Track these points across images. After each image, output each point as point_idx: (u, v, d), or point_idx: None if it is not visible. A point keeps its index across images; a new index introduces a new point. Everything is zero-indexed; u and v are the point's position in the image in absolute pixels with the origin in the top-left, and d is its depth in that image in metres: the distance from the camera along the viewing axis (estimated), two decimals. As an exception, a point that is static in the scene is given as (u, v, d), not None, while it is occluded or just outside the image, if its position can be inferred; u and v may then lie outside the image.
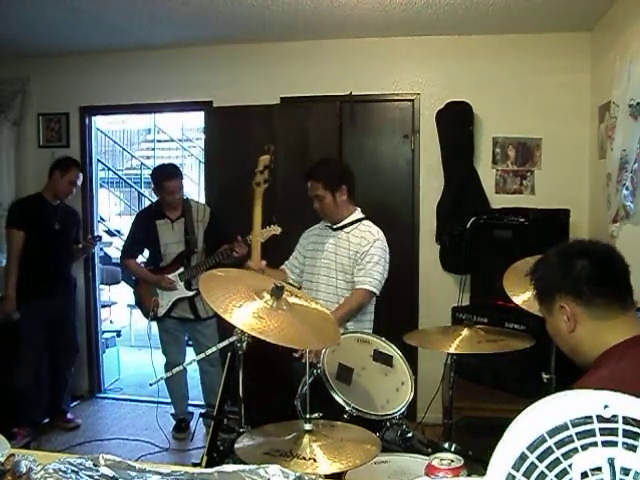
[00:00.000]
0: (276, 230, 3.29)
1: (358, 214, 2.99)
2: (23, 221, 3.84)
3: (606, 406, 0.74)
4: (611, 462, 0.72)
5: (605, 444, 0.73)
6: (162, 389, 4.04)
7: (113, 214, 9.70)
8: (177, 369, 1.98)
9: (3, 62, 4.61)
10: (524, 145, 4.07)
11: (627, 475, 0.72)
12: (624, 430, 0.73)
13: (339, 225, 2.95)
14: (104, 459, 1.04)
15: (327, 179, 2.91)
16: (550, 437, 0.74)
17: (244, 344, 1.87)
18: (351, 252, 2.87)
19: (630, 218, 2.92)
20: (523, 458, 0.74)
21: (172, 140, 10.54)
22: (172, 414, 4.12)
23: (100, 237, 4.68)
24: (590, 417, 0.73)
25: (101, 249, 4.33)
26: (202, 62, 4.43)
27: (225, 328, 1.93)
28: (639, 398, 0.75)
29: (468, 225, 3.72)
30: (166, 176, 3.80)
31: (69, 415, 4.19)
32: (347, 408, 2.06)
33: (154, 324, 3.99)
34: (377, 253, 2.85)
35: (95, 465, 1.03)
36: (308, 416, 1.63)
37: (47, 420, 4.12)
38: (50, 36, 4.17)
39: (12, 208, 3.97)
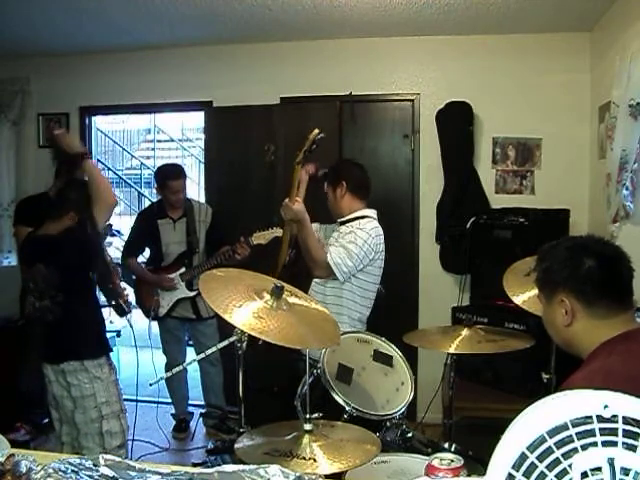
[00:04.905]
0: (278, 232, 3.27)
1: (364, 212, 2.87)
2: (31, 219, 3.81)
3: (606, 406, 0.74)
4: (611, 462, 0.72)
5: (605, 444, 0.73)
6: (162, 389, 4.03)
7: (113, 214, 9.66)
8: (177, 369, 1.98)
9: (3, 62, 4.61)
10: (524, 145, 4.07)
11: (627, 475, 0.72)
12: (624, 430, 0.73)
13: (343, 220, 2.90)
14: (104, 459, 1.03)
15: (328, 175, 2.95)
16: (550, 437, 0.74)
17: (244, 344, 1.87)
18: None
19: (630, 218, 2.92)
20: (523, 458, 0.74)
21: (172, 140, 10.52)
22: (172, 414, 4.12)
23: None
24: (590, 417, 0.73)
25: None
26: (202, 62, 4.43)
27: (226, 328, 1.92)
28: (628, 392, 0.74)
29: (468, 225, 3.73)
30: (170, 175, 3.81)
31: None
32: (347, 408, 2.06)
33: (155, 324, 3.99)
34: (352, 239, 2.72)
35: (95, 465, 1.03)
36: (308, 416, 1.63)
37: (47, 420, 4.11)
38: (50, 36, 4.17)
39: (19, 206, 3.93)
